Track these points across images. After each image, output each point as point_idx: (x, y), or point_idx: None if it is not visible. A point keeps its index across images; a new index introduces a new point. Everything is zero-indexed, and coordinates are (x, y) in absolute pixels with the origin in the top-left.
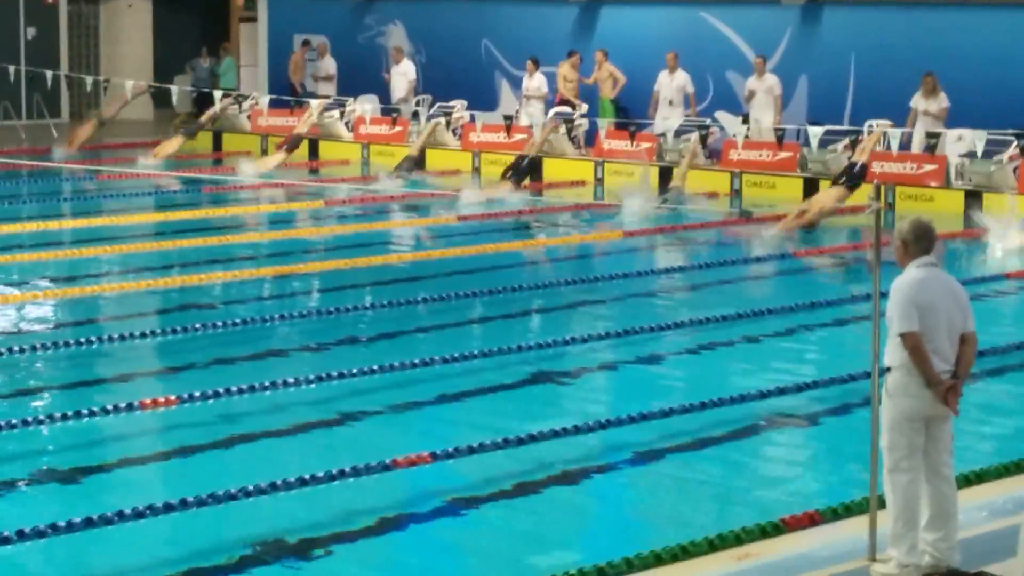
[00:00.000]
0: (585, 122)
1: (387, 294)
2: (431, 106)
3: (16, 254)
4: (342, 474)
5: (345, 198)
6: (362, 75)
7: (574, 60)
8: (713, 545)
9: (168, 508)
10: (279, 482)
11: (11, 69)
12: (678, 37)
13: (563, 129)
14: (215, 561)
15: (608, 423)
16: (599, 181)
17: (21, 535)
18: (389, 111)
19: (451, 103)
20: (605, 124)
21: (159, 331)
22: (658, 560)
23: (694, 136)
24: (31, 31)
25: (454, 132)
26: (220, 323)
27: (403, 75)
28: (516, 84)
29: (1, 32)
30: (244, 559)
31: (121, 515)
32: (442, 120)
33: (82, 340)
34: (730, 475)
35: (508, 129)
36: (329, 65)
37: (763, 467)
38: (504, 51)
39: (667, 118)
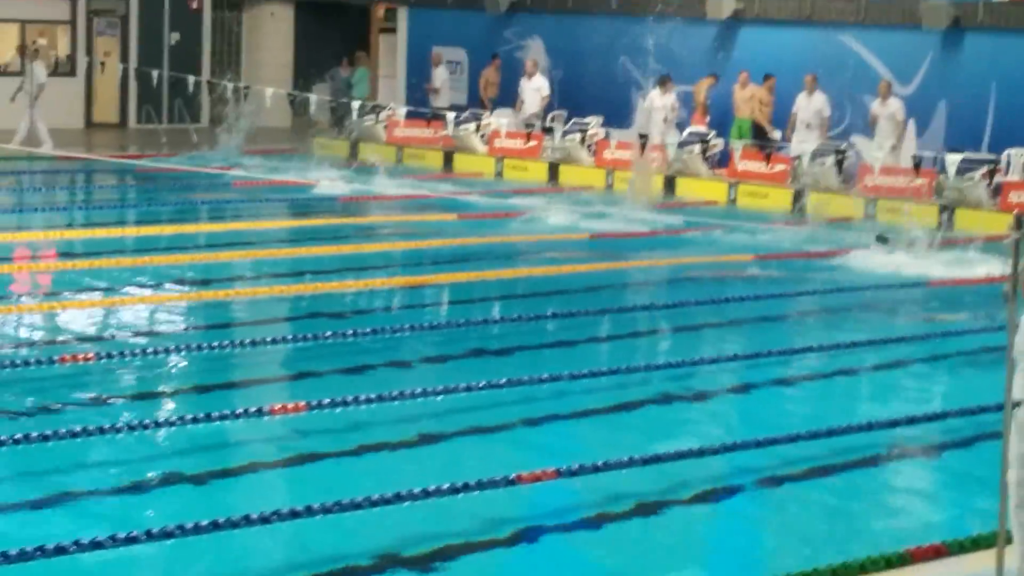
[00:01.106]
0: (720, 142)
1: (516, 308)
2: (566, 122)
3: (152, 256)
4: (467, 487)
5: (480, 213)
6: (499, 88)
7: (770, 83)
8: (836, 573)
9: (294, 515)
10: (404, 492)
11: (154, 74)
12: (816, 59)
13: (697, 149)
14: (337, 569)
15: (734, 446)
16: (732, 202)
17: (149, 535)
18: (526, 125)
19: (586, 119)
20: (740, 145)
21: (290, 337)
22: None
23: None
24: (174, 36)
25: (589, 148)
26: (351, 332)
27: (536, 90)
28: None
29: (146, 37)
30: (366, 568)
31: (248, 519)
32: (577, 136)
33: (215, 344)
34: (855, 503)
35: (643, 147)
36: (441, 75)
37: (889, 497)
38: (641, 68)
39: (803, 141)
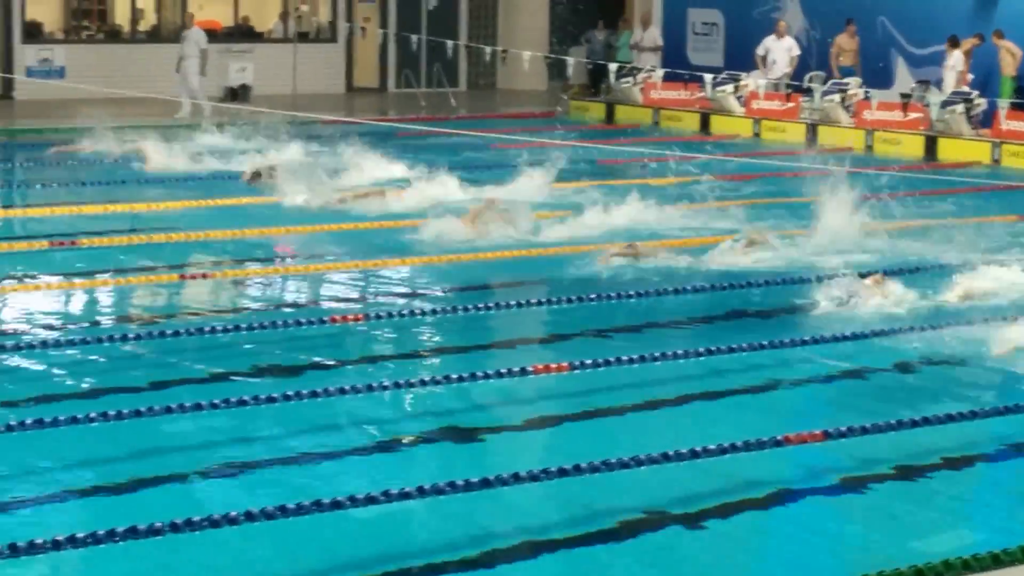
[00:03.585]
0: (983, 102)
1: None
2: (824, 82)
3: (413, 220)
4: (733, 448)
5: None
6: (755, 49)
7: None
8: None
9: (562, 472)
10: (671, 452)
11: (413, 38)
12: None
13: (960, 109)
14: (600, 526)
15: (999, 411)
16: (996, 163)
17: (421, 491)
18: (789, 86)
19: (845, 80)
20: (1005, 104)
21: (551, 299)
22: None
23: None
24: (432, 2)
25: (847, 109)
26: (615, 294)
27: (787, 50)
28: (913, 62)
29: (404, 2)
30: (628, 525)
31: (517, 476)
32: (836, 97)
33: (480, 305)
34: None
35: (904, 107)
36: (655, 36)
37: None
38: (901, 29)
39: None
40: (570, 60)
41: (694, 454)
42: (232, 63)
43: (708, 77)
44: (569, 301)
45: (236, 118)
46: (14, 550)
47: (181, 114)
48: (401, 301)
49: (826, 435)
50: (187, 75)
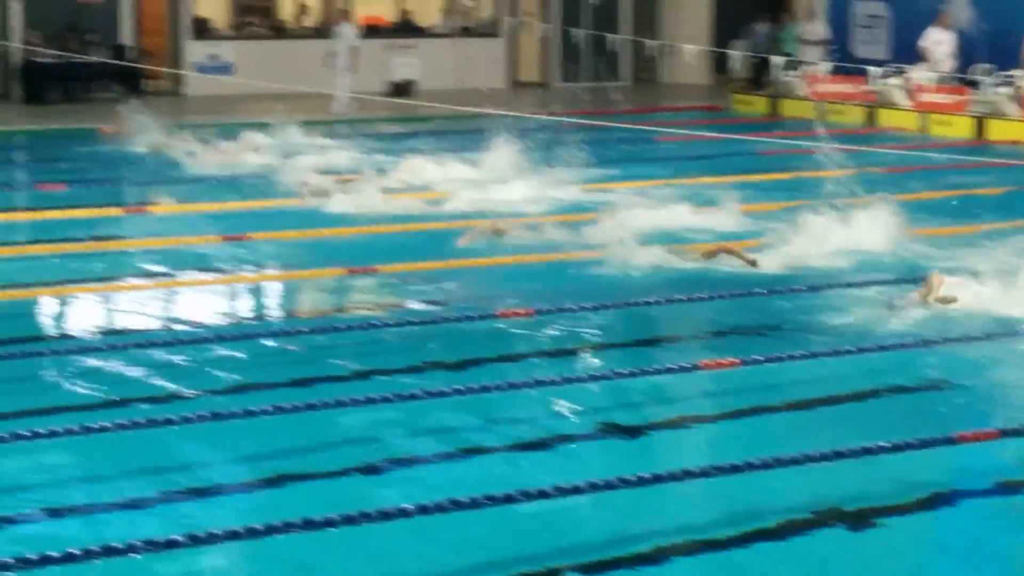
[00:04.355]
0: None
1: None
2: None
3: (592, 213)
4: (908, 446)
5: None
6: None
7: None
8: None
9: (735, 468)
10: (844, 449)
11: (576, 32)
12: None
13: None
14: (763, 524)
15: None
16: None
17: (593, 486)
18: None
19: (1014, 72)
20: None
21: (716, 296)
22: None
23: None
24: None
25: (1018, 102)
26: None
27: (947, 43)
28: None
29: None
30: (792, 524)
31: (688, 472)
32: (1006, 89)
33: (650, 300)
34: None
35: None
36: (821, 29)
37: None
38: None
39: None
40: (733, 53)
41: (866, 451)
42: (396, 58)
43: (874, 70)
44: (724, 297)
45: (400, 113)
46: (193, 540)
47: (336, 109)
48: (568, 297)
49: (1002, 433)
50: (338, 71)
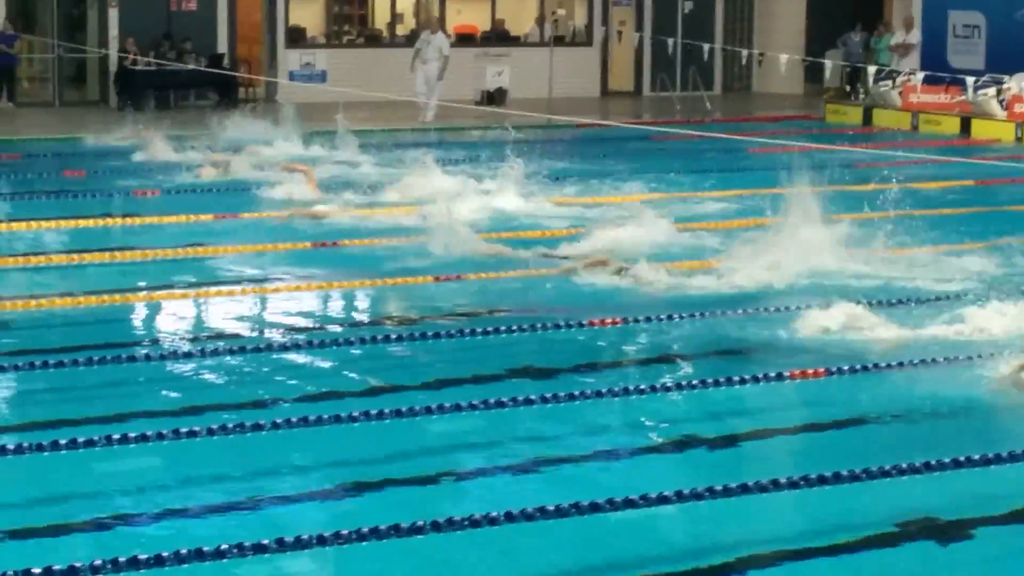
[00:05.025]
0: None
1: None
2: None
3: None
4: (998, 458)
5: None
6: (1017, 52)
7: None
8: None
9: (822, 480)
10: (934, 462)
11: (669, 42)
12: None
13: None
14: (858, 538)
15: None
16: None
17: (679, 496)
18: None
19: None
20: None
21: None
22: None
23: None
24: (688, 5)
25: None
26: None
27: None
28: None
29: (660, 6)
30: (884, 536)
31: (776, 483)
32: None
33: (736, 311)
34: None
35: None
36: (915, 38)
37: None
38: None
39: None
40: (827, 63)
41: (956, 464)
42: (489, 67)
43: (970, 80)
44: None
45: (492, 121)
46: (281, 544)
47: (424, 117)
48: (659, 306)
49: None
50: (428, 78)
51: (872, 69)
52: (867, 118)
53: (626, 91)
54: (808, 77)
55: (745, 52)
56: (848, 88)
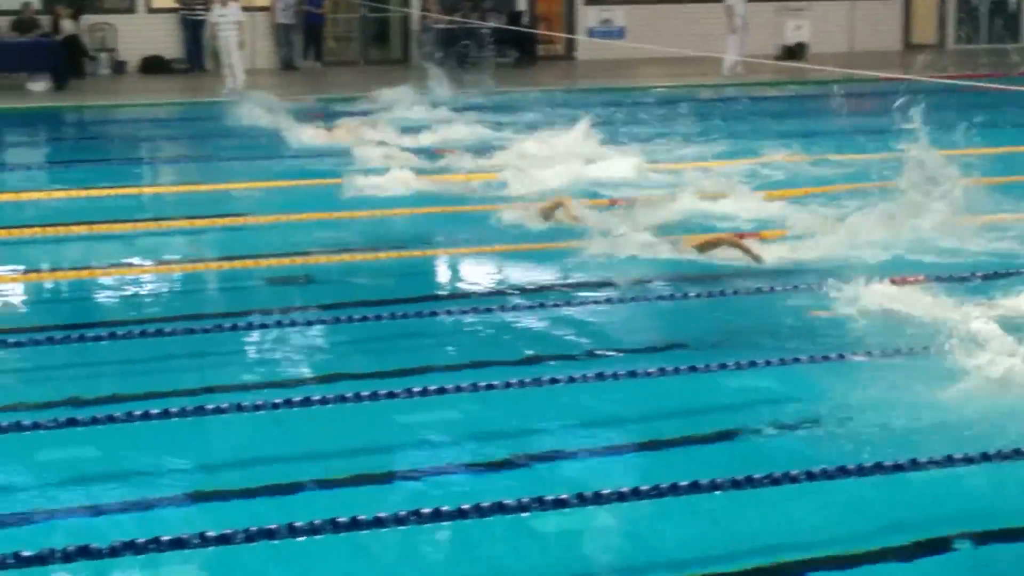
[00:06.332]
0: None
1: None
2: None
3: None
4: None
5: None
6: None
7: None
8: None
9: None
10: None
11: None
12: None
13: None
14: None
15: None
16: None
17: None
18: None
19: None
20: None
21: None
22: None
23: None
24: None
25: None
26: None
27: None
28: None
29: None
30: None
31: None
32: None
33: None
34: None
35: None
36: None
37: None
38: None
39: None
40: None
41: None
42: (789, 21)
43: None
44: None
45: (793, 76)
46: (582, 499)
47: (727, 71)
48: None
49: None
50: (730, 33)
51: None
52: None
53: (929, 43)
54: None
55: None
56: None
